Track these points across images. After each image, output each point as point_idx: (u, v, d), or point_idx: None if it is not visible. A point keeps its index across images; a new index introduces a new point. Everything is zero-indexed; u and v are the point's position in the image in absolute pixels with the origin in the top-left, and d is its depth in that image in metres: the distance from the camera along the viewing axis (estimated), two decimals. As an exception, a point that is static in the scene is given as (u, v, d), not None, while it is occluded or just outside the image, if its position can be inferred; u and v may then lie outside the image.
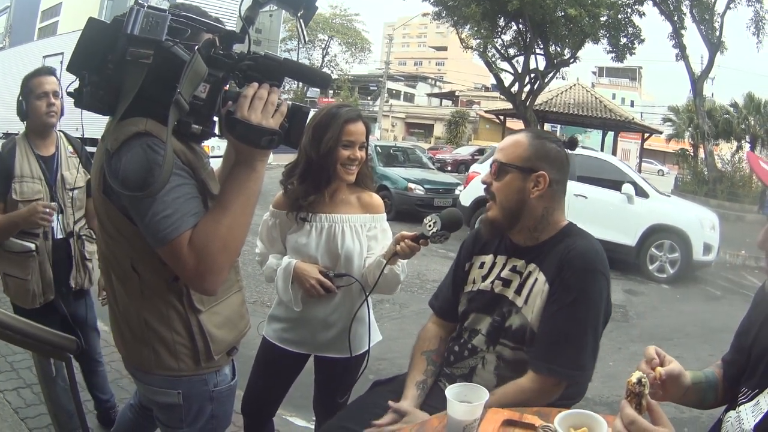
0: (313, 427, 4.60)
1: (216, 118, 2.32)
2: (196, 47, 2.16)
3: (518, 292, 2.97)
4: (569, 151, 3.13)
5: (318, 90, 73.29)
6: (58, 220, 4.45)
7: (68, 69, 2.27)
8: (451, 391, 2.42)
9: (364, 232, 3.78)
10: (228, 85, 2.30)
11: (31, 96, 4.39)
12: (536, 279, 2.94)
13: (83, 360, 4.81)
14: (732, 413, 2.39)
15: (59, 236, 4.50)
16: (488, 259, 3.22)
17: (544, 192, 2.95)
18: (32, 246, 4.33)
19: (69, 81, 2.33)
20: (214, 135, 2.35)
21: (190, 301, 2.51)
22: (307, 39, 2.67)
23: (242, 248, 2.40)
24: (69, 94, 2.33)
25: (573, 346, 2.79)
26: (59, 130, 4.71)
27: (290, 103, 2.36)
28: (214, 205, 2.32)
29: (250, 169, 2.31)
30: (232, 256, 2.37)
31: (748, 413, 2.28)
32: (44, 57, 23.98)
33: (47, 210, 4.14)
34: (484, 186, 3.11)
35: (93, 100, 2.25)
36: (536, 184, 2.94)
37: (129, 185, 2.18)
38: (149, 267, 2.42)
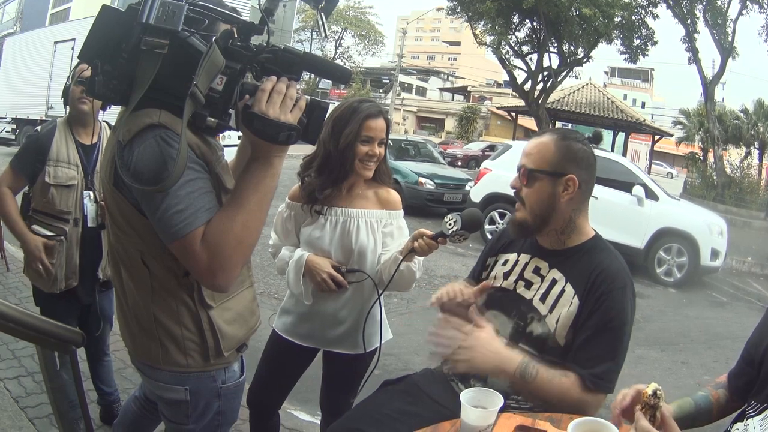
0: (317, 421, 4.58)
1: (232, 111, 2.24)
2: (214, 38, 2.13)
3: (542, 299, 2.93)
4: (594, 147, 3.07)
5: (330, 81, 73.36)
6: (87, 208, 4.45)
7: (80, 57, 2.26)
8: (465, 395, 2.39)
9: (379, 228, 3.73)
10: (245, 78, 2.24)
11: (72, 82, 4.36)
12: (563, 290, 2.90)
13: (91, 349, 4.80)
14: (739, 425, 2.38)
15: (90, 225, 4.47)
16: (512, 257, 3.19)
17: (574, 195, 2.94)
18: (55, 232, 4.34)
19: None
20: (231, 128, 2.28)
21: (200, 297, 2.46)
22: (327, 32, 2.63)
23: (257, 244, 2.34)
24: (80, 82, 2.33)
25: (618, 363, 2.78)
26: (104, 120, 4.70)
27: (309, 98, 2.31)
28: (229, 201, 2.28)
29: (267, 164, 2.26)
30: (246, 254, 2.31)
31: (756, 426, 2.27)
32: (55, 43, 24.12)
33: (46, 265, 4.24)
34: (514, 191, 3.07)
35: (105, 90, 2.19)
36: (566, 188, 2.92)
37: (141, 179, 2.13)
38: (160, 262, 2.38)
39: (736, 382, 2.64)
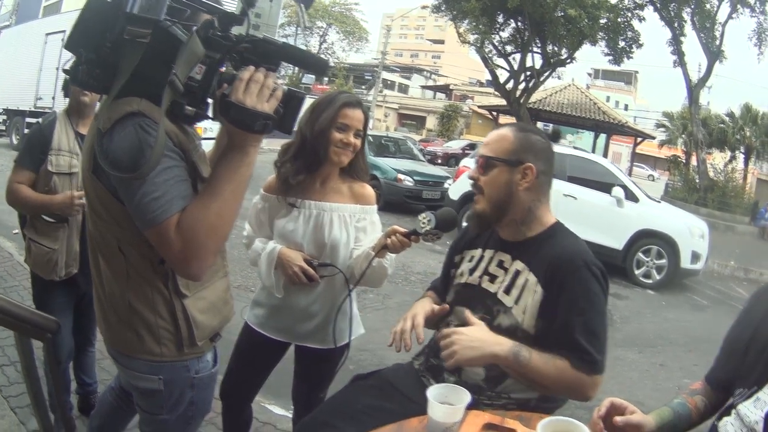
0: (291, 415, 4.57)
1: (210, 101, 2.27)
2: (194, 28, 2.14)
3: (507, 291, 2.95)
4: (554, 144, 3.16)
5: (313, 77, 73.60)
6: None
7: (66, 47, 2.26)
8: (432, 392, 2.39)
9: (352, 223, 3.74)
10: (225, 68, 2.28)
11: None
12: (526, 279, 2.92)
13: (79, 338, 4.81)
14: (727, 418, 2.43)
15: None
16: (477, 253, 3.23)
17: (531, 184, 2.97)
18: (57, 220, 4.38)
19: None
20: (208, 117, 2.32)
21: (175, 286, 2.48)
22: (308, 24, 2.56)
23: (231, 232, 2.37)
24: (65, 71, 2.32)
25: (599, 339, 2.81)
26: None
27: (286, 88, 2.33)
28: (204, 189, 2.30)
29: (243, 153, 2.27)
30: (220, 242, 2.33)
31: (748, 409, 2.32)
32: (47, 35, 24.28)
33: (83, 200, 4.12)
34: (472, 182, 3.11)
35: (88, 78, 2.23)
36: (524, 176, 2.97)
37: (119, 166, 2.15)
38: (136, 249, 2.40)
39: (718, 375, 2.69)
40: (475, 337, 2.72)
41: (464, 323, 2.87)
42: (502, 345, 2.71)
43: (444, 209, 3.31)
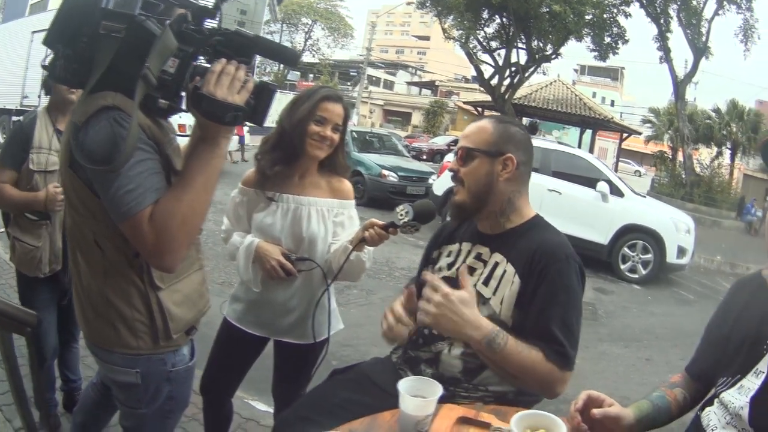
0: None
1: (184, 94, 2.29)
2: (167, 22, 2.14)
3: (486, 283, 2.92)
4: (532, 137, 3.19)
5: (298, 73, 73.58)
6: None
7: (44, 42, 2.28)
8: (403, 384, 2.37)
9: (330, 217, 3.73)
10: (198, 61, 2.29)
11: None
12: (504, 271, 2.90)
13: (63, 335, 4.80)
14: (710, 408, 2.48)
15: None
16: (454, 247, 3.20)
17: (512, 174, 2.96)
18: (39, 217, 4.38)
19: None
20: (182, 110, 2.34)
21: (150, 278, 2.50)
22: (279, 17, 2.51)
23: (203, 225, 2.43)
24: (43, 67, 2.35)
25: (573, 335, 2.78)
26: None
27: (257, 80, 2.35)
28: (176, 181, 2.32)
29: (214, 145, 2.31)
30: (192, 234, 2.37)
31: (732, 396, 2.35)
32: (33, 33, 24.29)
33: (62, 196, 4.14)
34: (452, 173, 3.09)
35: (65, 74, 2.25)
36: (504, 167, 2.96)
37: (94, 159, 2.17)
38: (112, 242, 2.41)
39: (700, 366, 2.74)
40: (459, 311, 2.66)
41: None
42: (480, 330, 2.66)
43: (421, 201, 3.28)
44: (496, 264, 2.93)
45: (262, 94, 2.34)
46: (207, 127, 2.28)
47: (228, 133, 2.33)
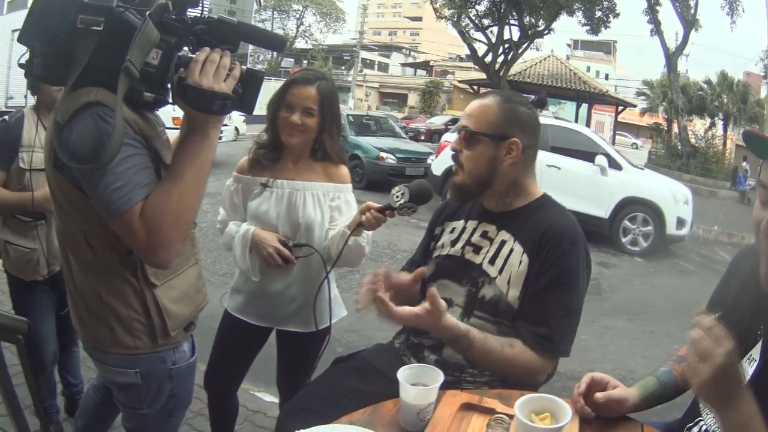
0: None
1: (170, 85, 2.24)
2: (147, 12, 2.10)
3: (492, 261, 2.87)
4: (539, 111, 3.08)
5: (292, 60, 73.35)
6: None
7: (19, 40, 2.20)
8: (403, 373, 2.34)
9: (326, 202, 3.68)
10: (182, 51, 2.25)
11: None
12: (512, 249, 2.85)
13: (63, 339, 4.73)
14: None
15: None
16: (459, 224, 3.14)
17: (516, 158, 2.86)
18: (34, 218, 4.29)
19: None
20: (168, 102, 2.29)
21: (144, 276, 2.44)
22: (262, 3, 2.50)
23: (203, 217, 2.33)
24: (20, 65, 2.26)
25: (569, 323, 2.75)
26: None
27: (244, 68, 2.32)
28: (166, 175, 2.27)
29: (203, 136, 2.26)
30: (184, 228, 2.30)
31: None
32: (13, 31, 23.79)
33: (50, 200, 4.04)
34: (453, 153, 3.00)
35: (44, 71, 2.19)
36: (509, 151, 2.84)
37: (79, 157, 2.11)
38: (103, 241, 2.36)
39: None
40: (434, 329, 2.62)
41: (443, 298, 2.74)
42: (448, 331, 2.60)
43: (417, 181, 3.20)
44: (503, 242, 2.88)
45: (250, 82, 2.31)
46: (195, 117, 2.24)
47: (217, 122, 2.30)
